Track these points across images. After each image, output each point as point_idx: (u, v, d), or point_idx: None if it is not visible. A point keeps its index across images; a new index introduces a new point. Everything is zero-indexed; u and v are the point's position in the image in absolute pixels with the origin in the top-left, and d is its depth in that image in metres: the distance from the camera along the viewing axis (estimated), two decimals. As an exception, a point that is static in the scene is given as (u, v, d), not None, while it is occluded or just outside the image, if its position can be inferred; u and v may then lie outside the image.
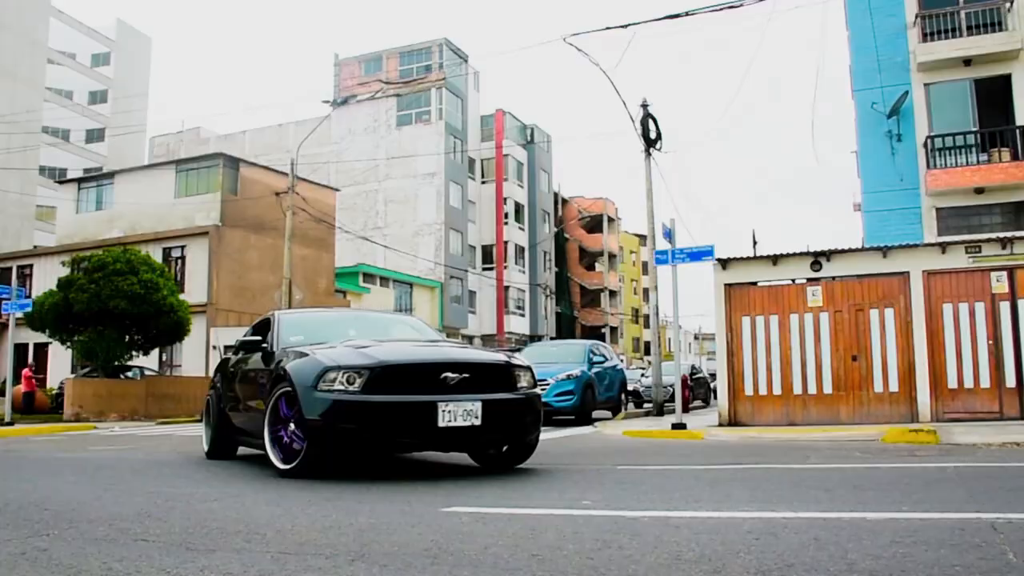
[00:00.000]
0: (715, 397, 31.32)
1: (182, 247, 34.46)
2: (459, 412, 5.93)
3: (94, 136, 66.54)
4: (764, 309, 14.34)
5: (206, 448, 8.74)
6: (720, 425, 14.01)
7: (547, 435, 12.60)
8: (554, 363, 17.98)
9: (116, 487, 6.07)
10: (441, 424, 5.86)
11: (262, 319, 8.40)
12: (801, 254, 14.46)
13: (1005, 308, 12.85)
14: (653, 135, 23.55)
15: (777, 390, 14.02)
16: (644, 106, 23.70)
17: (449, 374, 6.09)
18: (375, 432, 5.90)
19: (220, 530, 3.87)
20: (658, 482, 5.77)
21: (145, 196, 35.41)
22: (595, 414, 18.41)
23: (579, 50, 17.51)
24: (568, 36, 16.36)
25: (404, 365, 6.24)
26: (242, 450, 8.44)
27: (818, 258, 14.18)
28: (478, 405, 6.04)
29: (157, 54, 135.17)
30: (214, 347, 33.00)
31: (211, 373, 30.49)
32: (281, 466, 6.29)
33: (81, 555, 3.32)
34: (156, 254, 31.26)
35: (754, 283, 14.50)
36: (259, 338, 7.47)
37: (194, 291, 32.60)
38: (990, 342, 12.83)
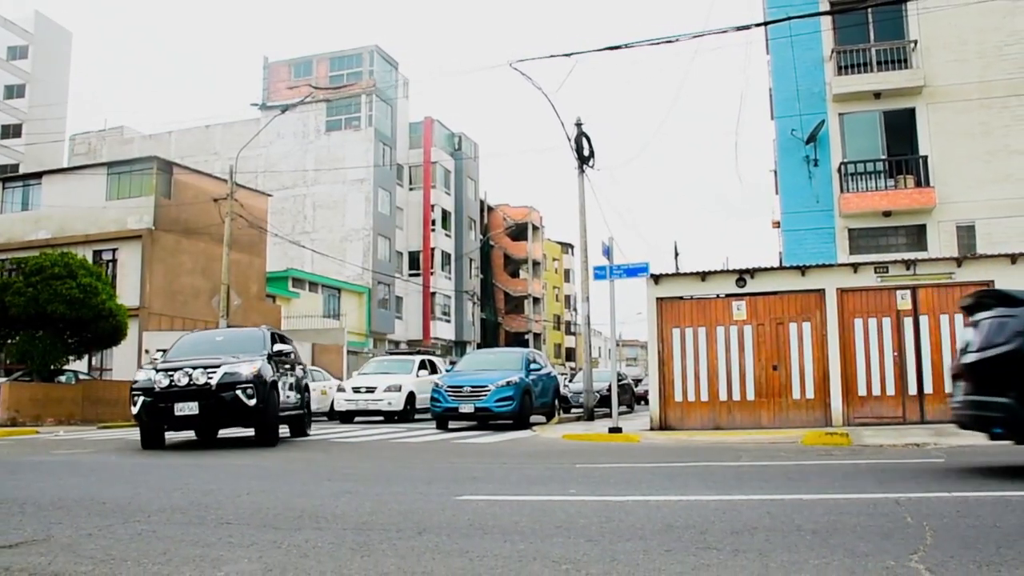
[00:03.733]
0: (639, 402, 32.68)
1: (113, 250, 34.29)
2: None
3: (10, 132, 65.01)
4: (693, 321, 15.51)
5: None
6: (652, 429, 15.10)
7: (492, 438, 13.53)
8: (494, 370, 18.89)
9: (139, 485, 6.76)
10: None
11: None
12: (727, 271, 15.70)
13: (908, 323, 14.27)
14: (586, 152, 24.71)
15: (704, 396, 15.18)
16: (578, 125, 24.81)
17: None
18: None
19: (283, 515, 4.68)
20: (622, 476, 6.74)
21: (74, 198, 35.08)
22: (532, 419, 19.40)
23: (523, 75, 18.49)
24: (514, 62, 17.32)
25: None
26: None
27: (743, 275, 15.41)
28: None
29: (77, 49, 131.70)
30: (146, 351, 32.99)
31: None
32: None
33: (190, 534, 4.11)
34: (86, 257, 31.07)
35: (684, 297, 15.66)
36: None
37: (125, 295, 32.42)
38: (895, 354, 14.22)
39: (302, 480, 6.80)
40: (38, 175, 38.13)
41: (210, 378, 11.79)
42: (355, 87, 58.54)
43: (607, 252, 15.75)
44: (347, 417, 22.23)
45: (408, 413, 21.47)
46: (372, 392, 21.34)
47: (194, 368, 11.95)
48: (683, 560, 3.13)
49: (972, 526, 3.64)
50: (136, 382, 12.41)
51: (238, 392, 11.73)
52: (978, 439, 10.12)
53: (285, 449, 11.64)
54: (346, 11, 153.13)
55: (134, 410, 12.17)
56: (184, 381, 11.79)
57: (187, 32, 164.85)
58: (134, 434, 18.24)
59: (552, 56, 15.90)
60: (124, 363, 32.84)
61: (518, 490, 5.63)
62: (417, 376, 22.38)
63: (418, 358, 25.01)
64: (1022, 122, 20.91)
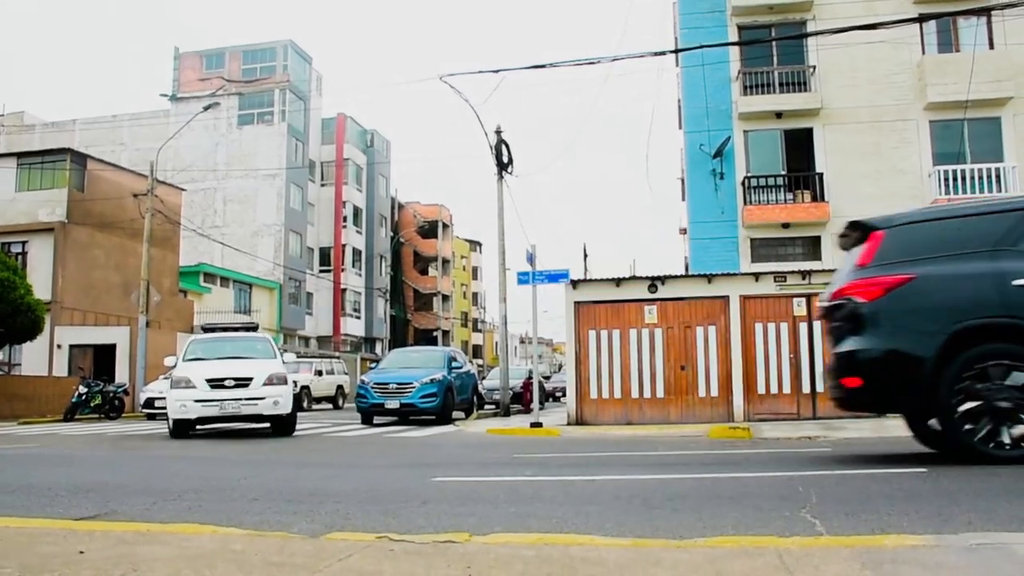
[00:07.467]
0: (547, 399, 33.91)
1: (23, 243, 33.80)
2: None
3: (-101, 116, 62.39)
4: (608, 324, 16.74)
5: None
6: (569, 424, 16.26)
7: (420, 432, 14.47)
8: (418, 368, 19.80)
9: (138, 473, 7.53)
10: None
11: None
12: (640, 278, 17.02)
13: (803, 329, 15.81)
14: (505, 159, 25.80)
15: (618, 394, 16.42)
16: (498, 133, 25.89)
17: None
18: None
19: (298, 494, 5.58)
20: (562, 463, 7.82)
21: (-19, 189, 34.40)
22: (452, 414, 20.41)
23: (453, 88, 19.44)
24: (444, 75, 18.25)
25: None
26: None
27: (654, 282, 16.73)
28: None
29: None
30: (58, 346, 32.67)
31: (57, 373, 30.40)
32: None
33: (234, 507, 4.99)
34: (-2, 250, 30.63)
35: (600, 301, 16.87)
36: None
37: (37, 289, 32.01)
38: (791, 356, 15.74)
39: (281, 468, 7.65)
40: (-59, 164, 37.09)
41: None
42: (268, 81, 58.34)
43: (530, 259, 16.87)
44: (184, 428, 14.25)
45: (290, 417, 14.55)
46: (245, 386, 13.88)
47: None
48: (637, 516, 4.22)
49: (846, 491, 4.87)
50: None
51: None
52: (860, 432, 11.60)
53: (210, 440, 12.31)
54: (259, 4, 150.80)
55: None
56: None
57: (92, 16, 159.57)
58: (63, 430, 18.48)
59: (480, 72, 16.88)
60: (34, 358, 32.46)
61: (481, 473, 6.66)
62: None
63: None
64: (908, 145, 22.97)
